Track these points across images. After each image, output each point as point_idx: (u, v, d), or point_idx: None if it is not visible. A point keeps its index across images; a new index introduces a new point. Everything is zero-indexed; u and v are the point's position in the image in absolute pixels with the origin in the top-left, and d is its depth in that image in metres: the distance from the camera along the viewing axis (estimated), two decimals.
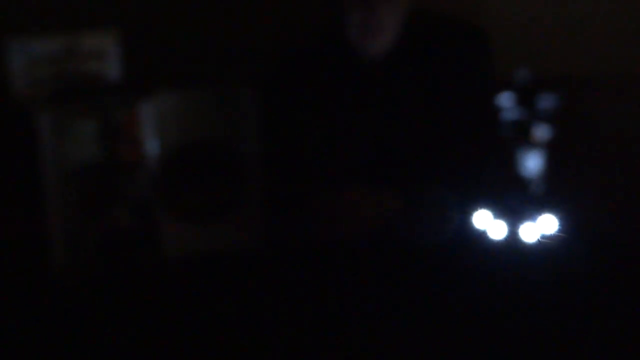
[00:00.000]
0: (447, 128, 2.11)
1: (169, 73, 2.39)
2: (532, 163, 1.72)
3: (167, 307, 1.72)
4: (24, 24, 2.43)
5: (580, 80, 2.48)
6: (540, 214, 1.73)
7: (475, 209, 1.77)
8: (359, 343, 1.59)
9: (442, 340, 1.58)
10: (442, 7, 2.29)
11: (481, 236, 1.76)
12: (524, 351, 1.54)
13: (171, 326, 1.66)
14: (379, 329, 1.61)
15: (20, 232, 1.86)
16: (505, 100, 1.71)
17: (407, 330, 1.61)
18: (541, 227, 1.74)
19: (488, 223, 1.76)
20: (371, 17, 2.07)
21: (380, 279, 1.78)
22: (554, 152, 1.72)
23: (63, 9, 2.46)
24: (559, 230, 1.73)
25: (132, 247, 1.86)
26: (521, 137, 1.71)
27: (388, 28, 2.10)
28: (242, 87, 1.95)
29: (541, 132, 1.71)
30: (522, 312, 1.63)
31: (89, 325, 1.68)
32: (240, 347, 1.59)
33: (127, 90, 1.93)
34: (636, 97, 2.53)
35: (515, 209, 1.74)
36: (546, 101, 1.71)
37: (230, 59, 2.55)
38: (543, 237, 1.73)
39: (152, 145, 1.87)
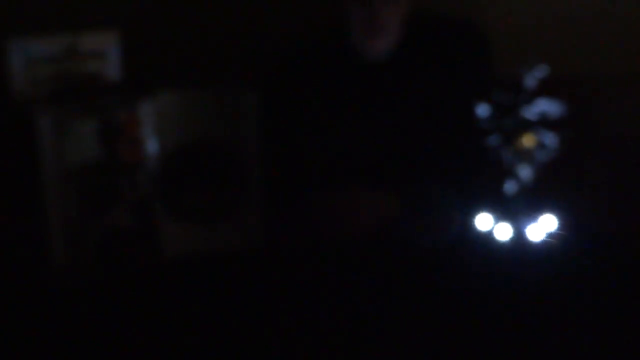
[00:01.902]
0: (448, 128, 2.11)
1: (169, 73, 2.39)
2: (531, 163, 1.72)
3: (166, 307, 1.72)
4: (24, 24, 2.42)
5: (581, 81, 2.48)
6: (539, 215, 1.74)
7: (475, 211, 1.77)
8: (359, 343, 1.59)
9: (441, 340, 1.58)
10: (442, 7, 2.29)
11: (480, 237, 1.76)
12: (524, 351, 1.54)
13: (171, 326, 1.66)
14: (379, 330, 1.61)
15: (20, 232, 1.86)
16: (504, 100, 1.71)
17: (407, 331, 1.61)
18: (542, 227, 1.74)
19: (487, 224, 1.76)
20: (374, 17, 2.07)
21: (381, 280, 1.78)
22: (553, 152, 1.72)
23: (63, 9, 2.46)
24: (559, 231, 1.73)
25: (132, 247, 1.86)
26: (518, 137, 1.71)
27: (390, 28, 2.10)
28: (243, 87, 1.95)
29: (540, 132, 1.71)
30: (520, 312, 1.63)
31: (88, 325, 1.68)
32: (240, 347, 1.59)
33: (127, 90, 1.93)
34: (636, 97, 2.53)
35: (513, 210, 1.74)
36: (546, 100, 1.71)
37: (230, 59, 2.55)
38: (544, 237, 1.73)
39: (152, 145, 1.87)
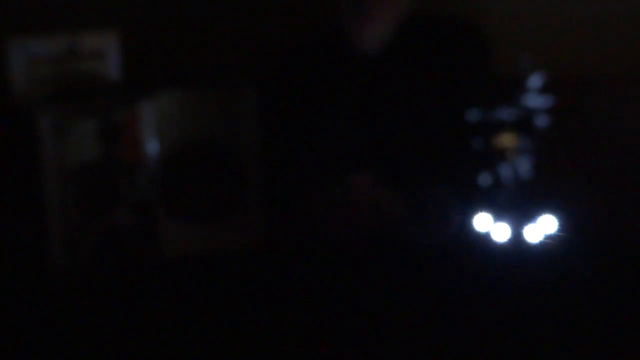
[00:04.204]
0: (444, 126, 2.12)
1: (169, 73, 2.39)
2: (530, 163, 1.72)
3: (166, 307, 1.72)
4: (24, 24, 2.43)
5: (580, 81, 2.48)
6: (539, 215, 1.73)
7: (474, 209, 1.77)
8: (359, 343, 1.59)
9: (441, 341, 1.58)
10: (442, 7, 2.29)
11: (480, 237, 1.76)
12: (524, 352, 1.54)
13: (171, 326, 1.66)
14: (379, 329, 1.61)
15: (20, 232, 1.86)
16: (502, 98, 1.71)
17: (408, 331, 1.61)
18: (542, 228, 1.74)
19: (487, 224, 1.76)
20: (359, 3, 2.09)
21: (381, 280, 1.78)
22: (553, 152, 1.72)
23: (63, 9, 2.46)
24: (559, 231, 1.73)
25: (132, 246, 1.86)
26: (498, 135, 1.71)
27: (379, 14, 2.10)
28: (242, 87, 1.95)
29: (522, 134, 1.70)
30: (522, 313, 1.63)
31: (88, 325, 1.68)
32: (240, 347, 1.60)
33: (127, 90, 1.93)
34: (636, 97, 2.54)
35: (513, 210, 1.74)
36: (545, 100, 1.71)
37: (230, 59, 2.56)
38: (544, 238, 1.73)
39: (152, 145, 1.87)
